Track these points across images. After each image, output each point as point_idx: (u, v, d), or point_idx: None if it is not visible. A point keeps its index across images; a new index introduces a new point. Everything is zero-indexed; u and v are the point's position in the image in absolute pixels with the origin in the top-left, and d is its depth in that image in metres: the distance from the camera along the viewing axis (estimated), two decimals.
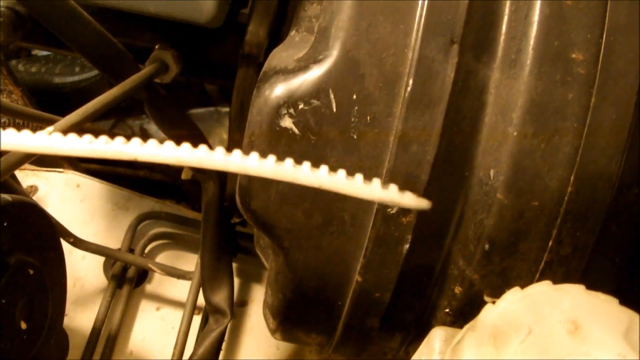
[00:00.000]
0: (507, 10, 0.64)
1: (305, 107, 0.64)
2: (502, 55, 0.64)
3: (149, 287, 1.24)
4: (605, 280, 0.69)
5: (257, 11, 0.87)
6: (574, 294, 0.54)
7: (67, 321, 1.09)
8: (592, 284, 0.59)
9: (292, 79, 0.65)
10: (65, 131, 0.68)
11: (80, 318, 1.17)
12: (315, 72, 0.64)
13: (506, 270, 0.67)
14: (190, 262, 1.23)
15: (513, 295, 0.55)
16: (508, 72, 0.63)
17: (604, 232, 0.65)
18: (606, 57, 0.62)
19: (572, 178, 0.63)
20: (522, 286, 0.58)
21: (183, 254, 1.26)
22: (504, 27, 0.64)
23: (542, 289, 0.55)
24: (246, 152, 0.66)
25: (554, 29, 0.62)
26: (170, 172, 1.47)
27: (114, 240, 1.25)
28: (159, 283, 1.24)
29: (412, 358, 0.63)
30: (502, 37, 0.64)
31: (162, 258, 1.26)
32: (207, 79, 1.08)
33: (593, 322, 0.51)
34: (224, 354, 1.20)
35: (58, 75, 1.58)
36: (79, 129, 0.74)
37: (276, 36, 0.87)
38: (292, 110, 0.64)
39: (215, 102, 1.76)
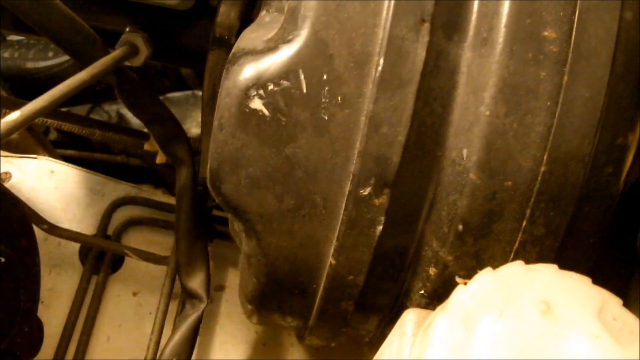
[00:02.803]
0: None
1: (275, 89, 0.63)
2: (474, 33, 0.63)
3: (126, 273, 1.23)
4: (580, 261, 0.69)
5: None
6: (546, 274, 0.54)
7: (42, 309, 1.08)
8: (566, 264, 0.59)
9: (261, 59, 0.64)
10: (32, 116, 0.67)
11: (56, 305, 1.16)
12: (285, 53, 0.63)
13: (480, 251, 0.66)
14: (166, 246, 1.22)
15: (485, 276, 0.54)
16: (480, 50, 0.63)
17: (577, 212, 0.65)
18: (578, 36, 0.62)
19: (545, 158, 0.62)
20: (496, 267, 0.58)
21: (159, 239, 1.25)
22: (475, 5, 0.63)
23: (514, 269, 0.55)
24: (216, 134, 0.66)
25: (526, 6, 0.62)
26: (147, 157, 1.46)
27: (89, 226, 1.24)
28: (135, 268, 1.23)
29: (386, 340, 0.62)
30: (474, 15, 0.63)
31: (138, 243, 1.24)
32: (178, 62, 1.07)
33: (566, 302, 0.51)
34: (202, 338, 1.20)
35: (31, 61, 1.57)
36: (47, 113, 0.73)
37: (248, 18, 0.86)
38: (261, 92, 0.63)
39: (191, 86, 1.75)
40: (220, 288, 1.25)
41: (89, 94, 1.73)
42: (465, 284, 0.55)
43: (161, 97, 1.72)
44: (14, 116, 0.66)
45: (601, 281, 0.57)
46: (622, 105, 0.64)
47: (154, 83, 1.70)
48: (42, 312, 1.03)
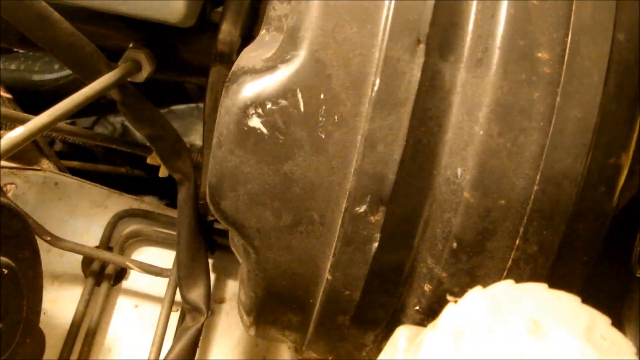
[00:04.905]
0: (473, 10, 0.65)
1: (273, 107, 0.64)
2: (469, 54, 0.64)
3: (128, 285, 1.24)
4: (573, 278, 0.70)
5: (230, 10, 0.87)
6: (536, 293, 0.55)
7: (45, 319, 1.09)
8: (560, 282, 0.60)
9: (260, 79, 0.65)
10: (35, 132, 0.69)
11: (58, 316, 1.17)
12: (283, 73, 0.64)
13: (474, 268, 0.67)
14: (168, 259, 1.23)
15: (474, 295, 0.55)
16: (474, 71, 0.64)
17: (570, 231, 0.66)
18: (571, 57, 0.63)
19: (538, 177, 0.63)
20: (490, 284, 0.59)
21: (161, 251, 1.26)
22: (470, 27, 0.65)
23: (504, 288, 0.55)
24: (215, 151, 0.67)
25: (520, 28, 0.63)
26: (151, 169, 1.47)
27: (92, 238, 1.25)
28: (137, 280, 1.24)
29: (379, 355, 0.63)
30: (469, 37, 0.64)
31: (140, 255, 1.26)
32: (181, 77, 1.08)
33: (554, 321, 0.52)
34: (203, 350, 1.21)
35: (37, 73, 1.58)
36: (51, 128, 0.74)
37: (249, 35, 0.87)
38: (260, 110, 0.65)
39: (195, 98, 1.76)
40: (222, 300, 1.25)
41: (94, 106, 1.73)
42: (456, 302, 0.56)
43: (165, 110, 1.73)
44: (17, 132, 0.67)
45: (596, 297, 0.58)
46: (615, 125, 0.65)
47: (159, 96, 1.72)
48: (45, 323, 1.04)
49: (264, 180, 0.66)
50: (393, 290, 0.72)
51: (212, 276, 1.13)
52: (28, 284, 0.85)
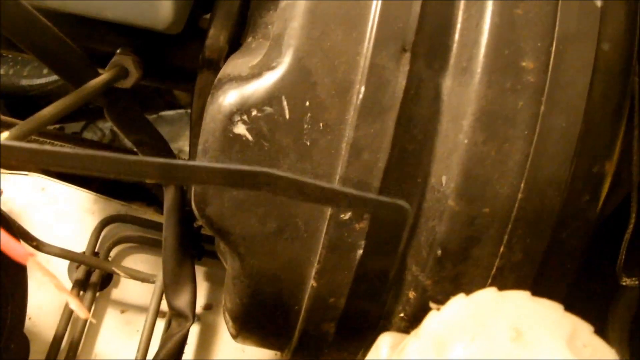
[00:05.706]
0: (459, 19, 0.65)
1: (258, 114, 0.64)
2: (454, 63, 0.65)
3: (114, 291, 1.24)
4: (557, 286, 0.70)
5: (218, 16, 0.87)
6: (518, 300, 0.55)
7: (30, 325, 1.09)
8: (544, 290, 0.60)
9: (245, 86, 0.65)
10: (20, 137, 0.68)
11: (43, 322, 1.17)
12: (268, 80, 0.64)
13: (459, 276, 0.67)
14: (155, 265, 1.23)
15: (457, 302, 0.55)
16: (459, 79, 0.64)
17: (554, 239, 0.66)
18: (556, 66, 0.63)
19: (522, 185, 0.63)
20: (474, 292, 0.59)
21: (148, 258, 1.26)
22: (456, 35, 0.65)
23: (487, 295, 0.56)
24: (200, 158, 0.67)
25: (505, 37, 0.63)
26: None
27: (79, 243, 1.25)
28: (124, 286, 1.24)
29: None
30: (454, 45, 0.65)
31: (127, 261, 1.25)
32: (169, 83, 1.07)
33: (536, 328, 0.52)
34: (189, 357, 1.20)
35: (25, 78, 1.57)
36: (37, 133, 0.74)
37: (237, 41, 0.87)
38: (245, 117, 0.65)
39: (184, 105, 1.76)
40: (210, 306, 1.25)
41: (84, 111, 1.73)
42: (439, 309, 0.56)
43: (155, 116, 1.73)
44: (2, 137, 0.67)
45: (580, 305, 0.58)
46: (599, 134, 0.65)
47: (148, 102, 1.71)
48: (30, 329, 1.04)
49: None
50: (378, 298, 0.72)
51: (199, 282, 1.12)
52: (13, 290, 0.85)
